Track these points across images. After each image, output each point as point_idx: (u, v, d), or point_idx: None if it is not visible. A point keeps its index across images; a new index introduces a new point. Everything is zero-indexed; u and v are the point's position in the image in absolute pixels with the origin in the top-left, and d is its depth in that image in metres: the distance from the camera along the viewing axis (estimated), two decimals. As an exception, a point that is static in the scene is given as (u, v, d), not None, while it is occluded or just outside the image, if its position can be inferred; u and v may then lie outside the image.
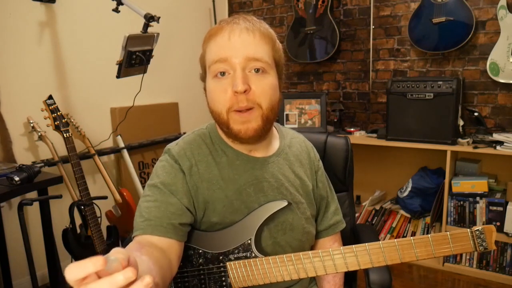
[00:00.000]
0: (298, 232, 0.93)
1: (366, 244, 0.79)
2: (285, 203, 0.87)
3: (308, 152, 1.02)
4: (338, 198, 1.09)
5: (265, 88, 0.83)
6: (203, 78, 0.89)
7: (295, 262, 0.81)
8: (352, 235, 1.28)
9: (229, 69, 0.81)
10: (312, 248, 1.03)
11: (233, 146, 0.91)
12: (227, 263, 0.84)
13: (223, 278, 0.85)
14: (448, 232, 0.76)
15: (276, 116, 0.88)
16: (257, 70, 0.82)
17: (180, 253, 0.84)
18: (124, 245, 1.06)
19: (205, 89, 0.89)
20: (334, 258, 0.80)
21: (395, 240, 0.78)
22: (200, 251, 0.87)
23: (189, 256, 0.87)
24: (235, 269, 0.84)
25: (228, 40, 0.81)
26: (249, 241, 0.85)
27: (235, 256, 0.84)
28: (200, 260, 0.86)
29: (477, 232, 0.75)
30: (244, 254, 0.84)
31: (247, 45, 0.81)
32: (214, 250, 0.86)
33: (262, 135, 0.86)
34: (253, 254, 0.84)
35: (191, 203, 0.87)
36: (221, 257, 0.85)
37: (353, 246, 0.79)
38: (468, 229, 0.76)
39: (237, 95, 0.80)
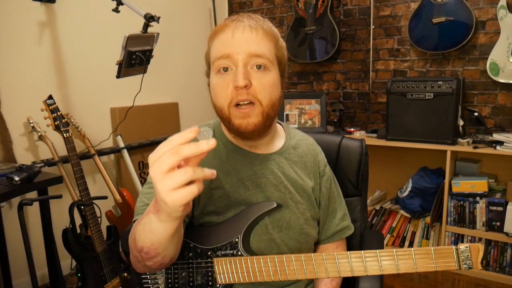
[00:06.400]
0: (295, 231, 0.93)
1: (348, 252, 0.78)
2: (273, 205, 0.88)
3: (315, 156, 1.01)
4: (349, 202, 1.07)
5: (266, 84, 0.84)
6: (208, 74, 0.90)
7: (277, 265, 0.81)
8: (361, 241, 1.23)
9: (231, 65, 0.82)
10: (314, 252, 1.02)
11: (235, 142, 0.93)
12: (214, 259, 0.86)
13: (210, 273, 0.87)
14: (432, 247, 0.74)
15: (277, 113, 0.89)
16: (259, 67, 0.83)
17: (182, 234, 0.84)
18: (124, 236, 1.07)
19: (209, 85, 0.90)
20: (314, 263, 0.80)
21: (377, 250, 0.77)
22: (191, 245, 0.88)
23: (180, 248, 0.88)
24: (221, 265, 0.85)
25: (232, 37, 0.83)
26: (237, 240, 0.86)
27: (223, 252, 0.87)
28: (190, 254, 0.88)
29: (462, 250, 0.73)
30: (231, 252, 0.86)
31: (250, 42, 0.83)
32: (204, 245, 0.88)
33: (262, 130, 0.87)
34: (239, 253, 0.86)
35: None
36: (209, 253, 0.87)
37: (336, 253, 0.79)
38: (454, 246, 0.74)
39: (238, 90, 0.81)
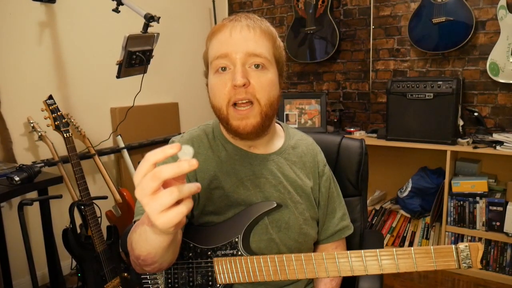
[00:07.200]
0: (294, 231, 0.93)
1: (348, 251, 0.79)
2: (273, 205, 0.88)
3: (314, 156, 1.01)
4: (349, 202, 1.06)
5: (264, 83, 0.84)
6: (206, 74, 0.90)
7: (277, 264, 0.82)
8: (361, 240, 1.23)
9: (229, 64, 0.83)
10: (313, 252, 1.02)
11: (233, 142, 0.93)
12: (214, 259, 0.86)
13: (210, 273, 0.87)
14: (431, 247, 0.74)
15: (275, 112, 0.89)
16: (257, 66, 0.83)
17: (179, 239, 0.85)
18: (124, 236, 1.07)
19: (207, 85, 0.90)
20: (314, 263, 0.80)
21: (377, 250, 0.77)
22: (191, 245, 0.89)
23: (180, 249, 0.89)
24: (221, 265, 0.85)
25: (230, 37, 0.83)
26: (237, 239, 0.86)
27: (223, 252, 0.87)
28: (190, 254, 0.88)
29: (462, 249, 0.73)
30: (231, 252, 0.86)
31: (248, 41, 0.83)
32: (204, 245, 0.88)
33: (261, 131, 0.87)
34: (239, 252, 0.86)
35: None
36: (209, 253, 0.87)
37: (336, 253, 0.79)
38: (453, 245, 0.74)
39: (237, 88, 0.81)
